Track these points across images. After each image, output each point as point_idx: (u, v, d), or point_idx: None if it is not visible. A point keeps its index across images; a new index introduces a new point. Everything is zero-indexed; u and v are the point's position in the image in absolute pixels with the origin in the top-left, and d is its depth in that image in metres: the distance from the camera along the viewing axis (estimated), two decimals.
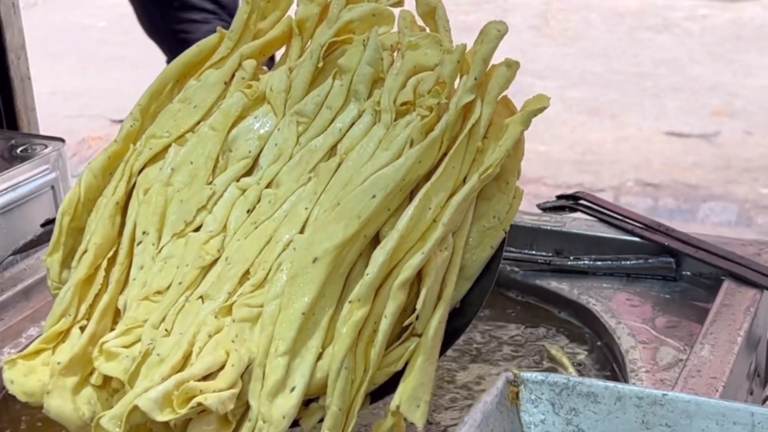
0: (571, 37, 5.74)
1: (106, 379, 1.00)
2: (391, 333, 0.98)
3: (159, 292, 1.03)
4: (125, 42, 5.73)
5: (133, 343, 1.00)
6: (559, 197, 1.52)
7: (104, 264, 1.07)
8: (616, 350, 1.25)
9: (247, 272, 1.03)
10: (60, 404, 0.99)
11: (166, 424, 0.93)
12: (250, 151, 1.10)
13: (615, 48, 5.57)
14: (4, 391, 1.18)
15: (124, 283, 1.06)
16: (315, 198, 1.04)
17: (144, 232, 1.07)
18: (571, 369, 1.25)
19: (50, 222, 1.37)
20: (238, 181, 1.09)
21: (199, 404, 0.91)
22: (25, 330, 1.34)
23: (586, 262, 1.42)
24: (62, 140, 1.58)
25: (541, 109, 1.06)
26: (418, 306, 0.98)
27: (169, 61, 1.19)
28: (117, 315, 1.05)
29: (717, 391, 1.11)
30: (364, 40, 1.11)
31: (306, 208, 1.04)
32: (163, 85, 1.16)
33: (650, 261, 1.40)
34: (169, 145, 1.12)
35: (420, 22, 1.16)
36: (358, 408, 0.98)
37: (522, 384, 0.93)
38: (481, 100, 1.06)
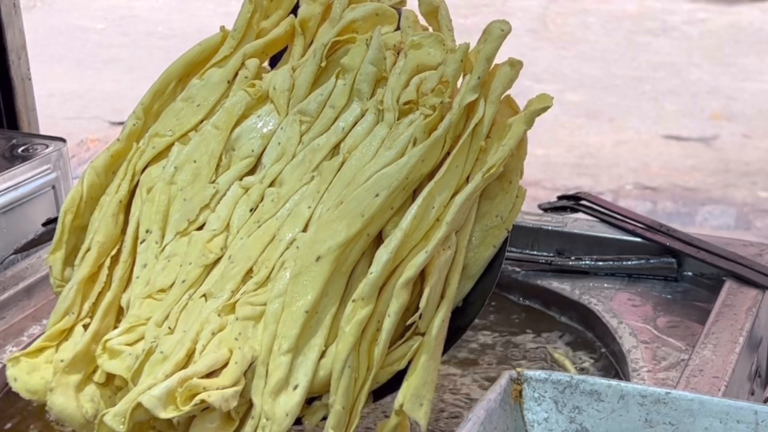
0: (570, 40, 5.74)
1: (110, 377, 1.00)
2: (394, 332, 0.99)
3: (162, 290, 1.03)
4: (123, 44, 5.73)
5: (137, 341, 1.00)
6: (561, 198, 1.53)
7: (107, 262, 1.07)
8: (617, 351, 1.26)
9: (250, 270, 1.03)
10: (63, 402, 0.99)
11: (169, 421, 0.93)
12: (253, 150, 1.10)
13: (613, 51, 5.58)
14: (6, 388, 1.18)
15: (128, 281, 1.06)
16: (318, 197, 1.04)
17: (147, 231, 1.07)
18: (573, 371, 1.25)
19: (52, 221, 1.37)
20: (241, 179, 1.09)
21: (203, 401, 0.91)
22: (26, 328, 1.34)
23: (588, 262, 1.42)
24: (63, 140, 1.58)
25: (545, 109, 1.06)
26: (422, 305, 0.98)
27: None
28: (120, 313, 1.05)
29: (719, 390, 1.11)
30: (367, 40, 1.11)
31: (309, 207, 1.04)
32: (166, 84, 1.16)
33: (652, 261, 1.40)
34: (172, 144, 1.12)
35: (423, 21, 1.16)
36: (362, 406, 0.98)
37: (525, 382, 0.93)
38: (484, 100, 1.06)
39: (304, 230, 1.03)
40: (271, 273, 1.01)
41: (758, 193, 3.94)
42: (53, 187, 1.54)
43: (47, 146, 1.55)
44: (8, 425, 1.20)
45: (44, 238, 1.40)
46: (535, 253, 1.47)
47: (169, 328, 1.00)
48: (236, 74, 1.15)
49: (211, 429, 0.94)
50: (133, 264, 1.07)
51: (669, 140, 4.45)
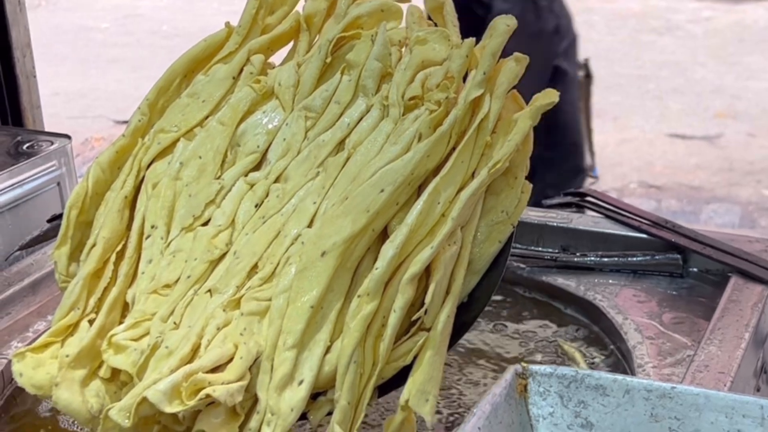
0: None
1: (115, 372, 1.00)
2: (399, 327, 0.99)
3: (167, 286, 1.03)
4: (128, 43, 5.74)
5: (142, 336, 1.00)
6: (566, 194, 1.53)
7: (113, 258, 1.07)
8: (623, 347, 1.25)
9: (256, 266, 1.03)
10: (68, 397, 0.99)
11: (174, 416, 0.93)
12: (258, 146, 1.10)
13: (617, 50, 5.58)
14: (12, 383, 1.18)
15: (133, 276, 1.06)
16: (323, 192, 1.04)
17: (153, 226, 1.07)
18: (583, 364, 1.25)
19: (57, 217, 1.37)
20: (246, 175, 1.09)
21: (208, 396, 0.91)
22: (32, 324, 1.34)
23: (593, 258, 1.42)
24: (68, 137, 1.58)
25: (550, 104, 1.06)
26: (427, 300, 0.98)
27: None
28: (126, 308, 1.05)
29: (725, 386, 1.11)
30: (372, 36, 1.11)
31: (314, 203, 1.04)
32: (171, 80, 1.16)
33: (657, 257, 1.40)
34: (178, 140, 1.12)
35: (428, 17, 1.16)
36: (367, 402, 0.98)
37: (531, 377, 0.93)
38: (489, 95, 1.06)
39: (310, 226, 1.03)
40: (276, 268, 1.01)
41: (763, 192, 3.94)
42: (58, 183, 1.54)
43: (52, 143, 1.56)
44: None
45: (49, 234, 1.40)
46: (540, 249, 1.46)
47: (175, 323, 1.00)
48: (241, 70, 1.15)
49: (216, 424, 0.94)
50: (139, 259, 1.07)
51: (673, 139, 4.45)
